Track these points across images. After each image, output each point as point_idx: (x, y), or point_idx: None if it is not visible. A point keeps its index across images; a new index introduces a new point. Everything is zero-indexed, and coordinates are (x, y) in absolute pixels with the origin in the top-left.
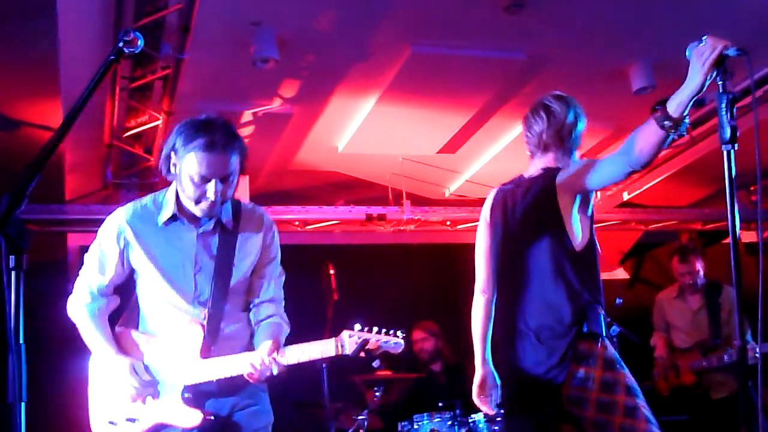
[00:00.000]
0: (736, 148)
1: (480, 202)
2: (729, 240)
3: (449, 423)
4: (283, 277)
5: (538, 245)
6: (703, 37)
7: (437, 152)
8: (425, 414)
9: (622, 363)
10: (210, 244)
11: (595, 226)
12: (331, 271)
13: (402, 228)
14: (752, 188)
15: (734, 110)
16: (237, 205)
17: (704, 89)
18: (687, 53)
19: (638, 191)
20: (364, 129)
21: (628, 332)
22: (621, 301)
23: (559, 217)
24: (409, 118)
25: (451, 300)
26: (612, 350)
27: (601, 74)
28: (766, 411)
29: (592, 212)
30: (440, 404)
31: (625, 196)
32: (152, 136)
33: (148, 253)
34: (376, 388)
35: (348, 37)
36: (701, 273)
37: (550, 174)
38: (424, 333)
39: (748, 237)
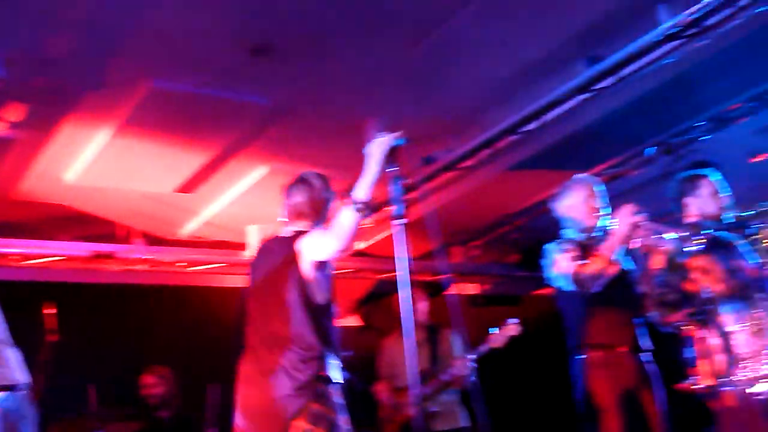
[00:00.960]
0: (406, 222)
1: (217, 244)
2: (450, 292)
3: None
4: None
5: (282, 297)
6: (380, 133)
7: (174, 191)
8: None
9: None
10: None
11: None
12: (50, 311)
13: (133, 267)
14: (470, 244)
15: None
16: None
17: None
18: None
19: (372, 241)
20: (97, 162)
21: (355, 379)
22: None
23: (299, 274)
24: (147, 153)
25: (184, 345)
26: (340, 397)
27: (342, 126)
28: None
29: (329, 271)
30: None
31: (361, 245)
32: None
33: None
34: None
35: (83, 64)
36: (424, 312)
37: (297, 237)
38: (154, 378)
39: (470, 290)
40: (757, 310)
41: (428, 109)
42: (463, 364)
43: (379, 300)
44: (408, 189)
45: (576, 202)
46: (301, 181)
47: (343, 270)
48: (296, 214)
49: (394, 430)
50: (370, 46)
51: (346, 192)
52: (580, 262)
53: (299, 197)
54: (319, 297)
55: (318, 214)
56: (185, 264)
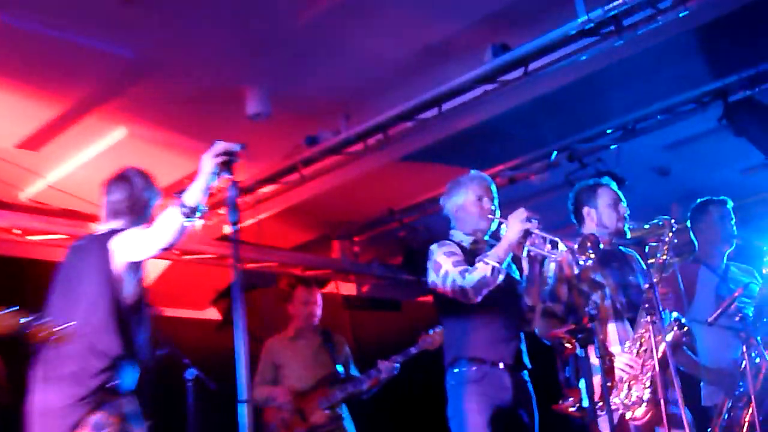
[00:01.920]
0: (238, 228)
1: (62, 212)
2: (329, 289)
3: None
4: None
5: (85, 298)
6: (217, 141)
7: (16, 146)
8: None
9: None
10: None
11: (189, 257)
12: None
13: None
14: (356, 239)
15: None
16: None
17: (211, 183)
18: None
19: (241, 225)
20: None
21: (206, 378)
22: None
23: (109, 274)
24: None
25: None
26: (134, 407)
27: (213, 92)
28: None
29: (141, 273)
30: None
31: (227, 230)
32: None
33: None
34: None
35: None
36: (320, 309)
37: (111, 236)
38: None
39: (348, 289)
40: (643, 330)
41: (316, 84)
42: (390, 366)
43: (242, 293)
44: (288, 170)
45: (467, 202)
46: (122, 178)
47: (203, 255)
48: (114, 213)
49: None
50: (253, 6)
51: (177, 192)
52: (464, 267)
53: (118, 195)
54: (128, 299)
55: (137, 213)
56: (21, 232)
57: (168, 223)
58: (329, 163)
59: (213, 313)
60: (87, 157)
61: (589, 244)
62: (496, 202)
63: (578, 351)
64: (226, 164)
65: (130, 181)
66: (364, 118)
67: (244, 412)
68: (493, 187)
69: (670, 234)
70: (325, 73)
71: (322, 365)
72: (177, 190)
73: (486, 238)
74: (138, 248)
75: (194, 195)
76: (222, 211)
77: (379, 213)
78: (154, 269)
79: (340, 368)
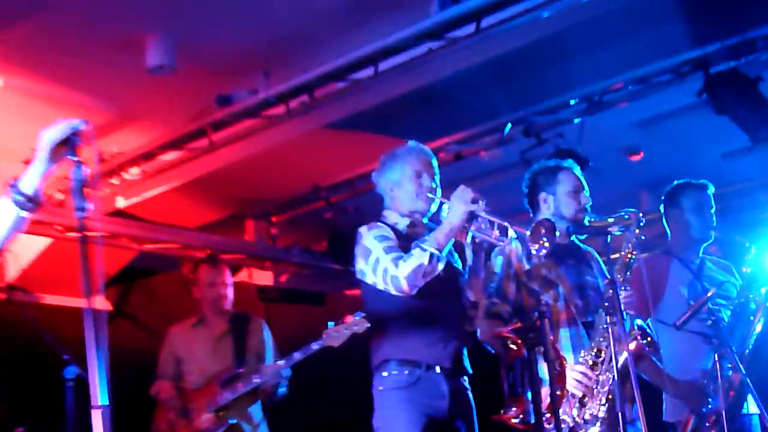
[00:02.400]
0: (85, 215)
1: None
2: (241, 277)
3: None
4: None
5: None
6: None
7: None
8: None
9: None
10: None
11: (73, 234)
12: None
13: None
14: (274, 219)
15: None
16: None
17: (48, 168)
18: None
19: (138, 198)
20: None
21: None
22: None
23: None
24: None
25: None
26: None
27: (110, 39)
28: None
29: None
30: None
31: (121, 203)
32: None
33: None
34: None
35: None
36: (229, 295)
37: None
38: None
39: (263, 278)
40: (601, 338)
41: (230, 34)
42: (274, 370)
43: (136, 279)
44: (195, 135)
45: (404, 178)
46: None
47: (90, 233)
48: None
49: None
50: None
51: (11, 179)
52: (398, 254)
53: None
54: None
55: None
56: None
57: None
58: (244, 127)
59: (101, 302)
60: None
61: (543, 231)
62: (437, 179)
63: (525, 354)
64: (69, 145)
65: None
66: (287, 77)
67: (98, 419)
68: (435, 162)
69: (637, 231)
70: (241, 21)
71: (221, 358)
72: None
73: (425, 220)
74: None
75: (31, 181)
76: (115, 180)
77: (302, 190)
78: (30, 248)
79: (242, 363)
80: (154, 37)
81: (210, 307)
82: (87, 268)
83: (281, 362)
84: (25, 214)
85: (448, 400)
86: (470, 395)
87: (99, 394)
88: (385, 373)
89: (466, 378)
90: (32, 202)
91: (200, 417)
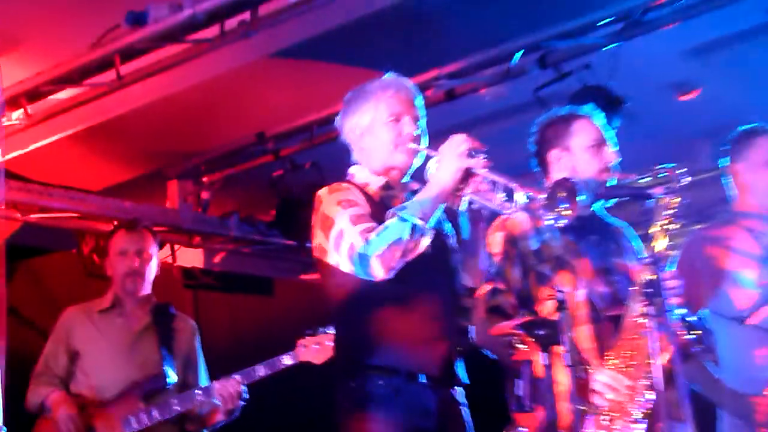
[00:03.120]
0: None
1: None
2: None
3: None
4: None
5: None
6: None
7: None
8: None
9: None
10: None
11: None
12: None
13: None
14: (205, 180)
15: None
16: None
17: None
18: None
19: (21, 151)
20: None
21: None
22: None
23: None
24: None
25: None
26: None
27: None
28: None
29: None
30: None
31: None
32: None
33: None
34: None
35: None
36: (155, 268)
37: None
38: None
39: (191, 258)
40: (634, 335)
41: None
42: (231, 389)
43: (18, 260)
44: (99, 66)
45: (377, 122)
46: None
47: None
48: None
49: None
50: None
51: None
52: (369, 224)
53: None
54: None
55: None
56: None
57: None
58: (164, 56)
59: None
60: None
61: (563, 194)
62: (423, 123)
63: (536, 359)
64: None
65: None
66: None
67: None
68: (420, 101)
69: (677, 194)
70: None
71: (142, 361)
72: None
73: (405, 179)
74: None
75: None
76: None
77: (243, 140)
78: None
79: (172, 370)
80: None
81: (123, 288)
82: None
83: (237, 377)
84: None
85: (435, 419)
86: (465, 411)
87: None
88: (353, 384)
89: (459, 389)
90: None
91: None
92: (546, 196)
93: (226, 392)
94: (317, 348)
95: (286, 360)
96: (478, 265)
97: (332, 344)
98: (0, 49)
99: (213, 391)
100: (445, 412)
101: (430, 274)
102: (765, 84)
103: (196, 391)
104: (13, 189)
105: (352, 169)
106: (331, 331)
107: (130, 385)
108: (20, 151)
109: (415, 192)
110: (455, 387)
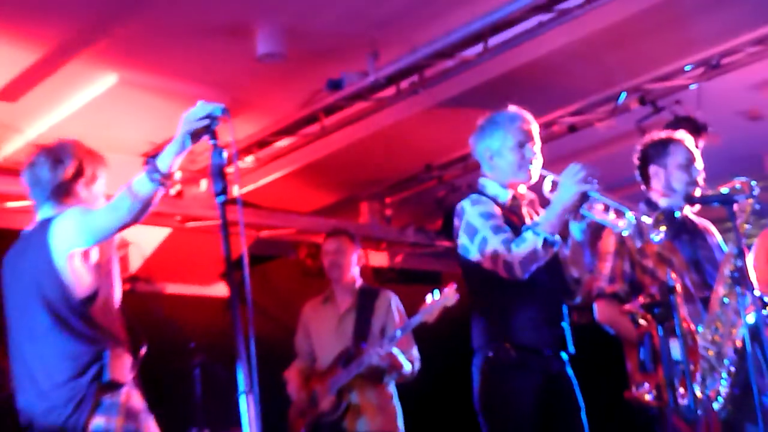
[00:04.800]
0: (225, 199)
1: None
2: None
3: None
4: None
5: (38, 302)
6: (199, 102)
7: None
8: None
9: (148, 413)
10: None
11: (193, 224)
12: None
13: None
14: (388, 200)
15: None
16: None
17: (186, 148)
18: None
19: (253, 186)
20: None
21: (215, 364)
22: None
23: (55, 270)
24: None
25: None
26: (137, 400)
27: (220, 29)
28: None
29: (100, 256)
30: None
31: (236, 191)
32: None
33: None
34: None
35: None
36: (353, 262)
37: (45, 228)
38: None
39: (379, 260)
40: (719, 311)
41: (336, 17)
42: (376, 351)
43: (253, 266)
44: (307, 120)
45: (504, 148)
46: (45, 153)
47: (208, 222)
48: (44, 196)
49: (302, 428)
50: None
51: (149, 157)
52: (507, 235)
53: (45, 173)
54: (80, 291)
55: (66, 192)
56: None
57: (137, 193)
58: (355, 111)
59: (221, 289)
60: (72, 109)
61: (663, 218)
62: (538, 147)
63: (653, 330)
64: (207, 128)
65: (56, 156)
66: (396, 57)
67: (246, 404)
68: (536, 128)
69: (750, 200)
70: (347, 3)
71: (344, 335)
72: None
73: (523, 190)
74: (86, 232)
75: (167, 159)
76: (230, 169)
77: (415, 169)
78: (153, 239)
79: (364, 339)
80: (262, 25)
81: (330, 278)
82: (229, 255)
83: (386, 341)
84: (159, 191)
85: (556, 383)
86: (571, 374)
87: (247, 381)
88: (490, 354)
89: (569, 358)
90: (166, 179)
91: (324, 400)
92: (653, 221)
93: (375, 352)
94: (430, 309)
95: (414, 321)
96: (583, 260)
97: (439, 305)
98: (234, 112)
99: (373, 355)
100: (561, 377)
101: (546, 268)
102: None
103: (370, 352)
104: (248, 214)
105: (482, 180)
106: (447, 291)
107: (336, 356)
108: (252, 186)
109: (533, 202)
110: (567, 357)
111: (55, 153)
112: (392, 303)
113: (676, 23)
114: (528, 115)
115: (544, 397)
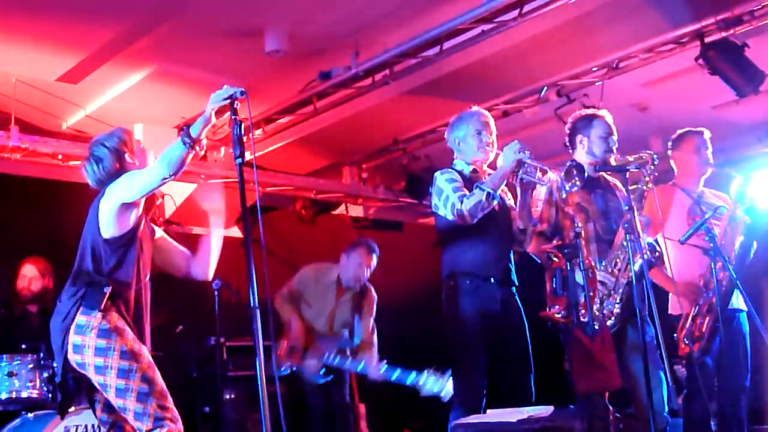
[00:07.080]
0: (242, 161)
1: None
2: (340, 211)
3: (30, 366)
4: None
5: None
6: (224, 86)
7: (57, 79)
8: (3, 356)
9: (122, 332)
10: None
11: (213, 182)
12: None
13: (6, 156)
14: (364, 166)
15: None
16: None
17: (212, 120)
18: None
19: (260, 153)
20: None
21: (229, 287)
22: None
23: (96, 213)
24: (29, 36)
25: (58, 240)
26: (112, 321)
27: (237, 31)
28: None
29: (137, 206)
30: (23, 346)
31: (247, 156)
32: None
33: None
34: None
35: None
36: (364, 272)
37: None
38: (35, 271)
39: (356, 211)
40: (619, 251)
41: (328, 24)
42: (375, 371)
43: (260, 214)
44: (303, 103)
45: (468, 135)
46: (89, 157)
47: (226, 179)
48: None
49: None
50: None
51: (184, 125)
52: (463, 193)
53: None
54: (115, 230)
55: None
56: (62, 158)
57: (172, 152)
58: (340, 96)
59: (236, 231)
60: (120, 90)
61: (575, 171)
62: (494, 136)
63: (563, 265)
64: (230, 105)
65: (98, 150)
66: (372, 56)
67: (256, 317)
68: (492, 122)
69: (652, 167)
70: (336, 14)
71: (342, 319)
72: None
73: (485, 167)
74: (139, 182)
75: (197, 128)
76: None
77: (385, 142)
78: (183, 192)
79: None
80: (270, 28)
81: (349, 277)
82: (244, 204)
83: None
84: (187, 152)
85: (499, 304)
86: (518, 300)
87: (254, 299)
88: (452, 282)
89: (514, 288)
90: (196, 143)
91: (310, 362)
92: (565, 172)
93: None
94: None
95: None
96: (526, 215)
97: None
98: (249, 96)
99: (372, 371)
100: (506, 301)
101: (497, 221)
102: (691, 102)
103: (371, 370)
104: (257, 174)
105: (454, 161)
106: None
107: (333, 333)
108: (260, 153)
109: (490, 174)
110: (512, 287)
111: (93, 153)
112: (373, 301)
113: (586, 34)
114: (485, 112)
115: (490, 315)
